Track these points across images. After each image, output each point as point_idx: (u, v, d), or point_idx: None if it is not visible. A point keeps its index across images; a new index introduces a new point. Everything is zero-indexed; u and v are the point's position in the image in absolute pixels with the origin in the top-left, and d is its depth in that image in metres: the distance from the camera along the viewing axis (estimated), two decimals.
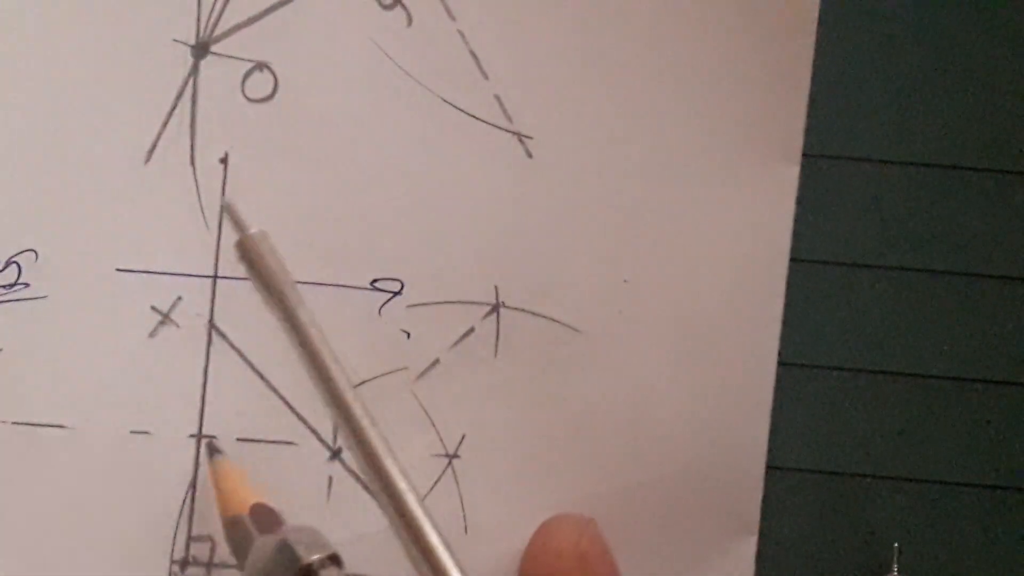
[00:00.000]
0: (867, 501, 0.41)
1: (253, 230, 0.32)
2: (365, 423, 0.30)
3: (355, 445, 0.30)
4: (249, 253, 0.32)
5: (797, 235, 0.40)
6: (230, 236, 0.40)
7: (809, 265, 0.41)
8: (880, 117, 0.41)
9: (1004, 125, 0.41)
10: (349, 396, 0.30)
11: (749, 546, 0.40)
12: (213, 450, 0.39)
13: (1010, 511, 0.41)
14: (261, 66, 0.40)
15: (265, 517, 0.36)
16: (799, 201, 0.40)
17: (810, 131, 0.40)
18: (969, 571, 0.41)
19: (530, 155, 0.40)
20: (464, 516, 0.40)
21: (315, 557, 0.32)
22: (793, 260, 0.40)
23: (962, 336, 0.41)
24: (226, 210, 0.33)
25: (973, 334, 0.41)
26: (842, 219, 0.41)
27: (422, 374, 0.40)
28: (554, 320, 0.40)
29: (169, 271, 0.40)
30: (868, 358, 0.41)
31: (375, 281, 0.40)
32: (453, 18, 0.40)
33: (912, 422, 0.41)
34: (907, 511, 0.41)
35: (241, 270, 0.40)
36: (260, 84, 0.40)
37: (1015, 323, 0.41)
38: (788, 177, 0.40)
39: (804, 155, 0.40)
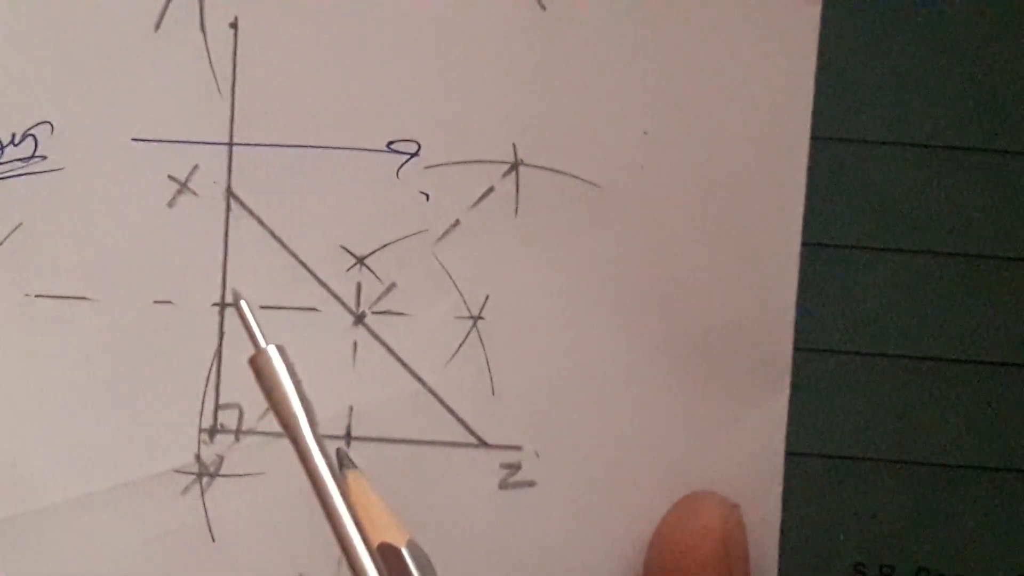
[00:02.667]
0: (867, 484, 0.41)
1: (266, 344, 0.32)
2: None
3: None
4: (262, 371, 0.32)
5: None
6: (244, 102, 0.40)
7: (806, 248, 0.40)
8: (879, 98, 0.40)
9: (1005, 105, 0.40)
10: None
11: (781, 400, 0.40)
12: (344, 461, 0.36)
13: (1012, 493, 0.41)
14: None
15: (391, 562, 0.33)
16: None
17: (815, 113, 0.40)
18: (971, 554, 0.41)
19: (543, 6, 0.39)
20: (491, 377, 0.40)
21: None
22: None
23: (963, 317, 0.40)
24: (239, 313, 0.32)
25: (974, 315, 0.40)
26: (841, 201, 0.40)
27: (443, 236, 0.40)
28: (574, 176, 0.40)
29: (185, 139, 0.40)
30: (868, 340, 0.40)
31: (391, 143, 0.40)
32: None
33: (913, 404, 0.41)
34: (908, 494, 0.41)
35: (256, 135, 0.40)
36: None
37: (1016, 304, 0.40)
38: (810, 16, 0.39)
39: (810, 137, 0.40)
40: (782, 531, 0.40)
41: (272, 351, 0.31)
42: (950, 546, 0.41)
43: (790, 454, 0.40)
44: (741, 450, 0.40)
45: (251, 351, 0.31)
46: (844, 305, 0.41)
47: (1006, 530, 0.41)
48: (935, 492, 0.41)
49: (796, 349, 0.40)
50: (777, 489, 0.40)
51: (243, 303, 0.32)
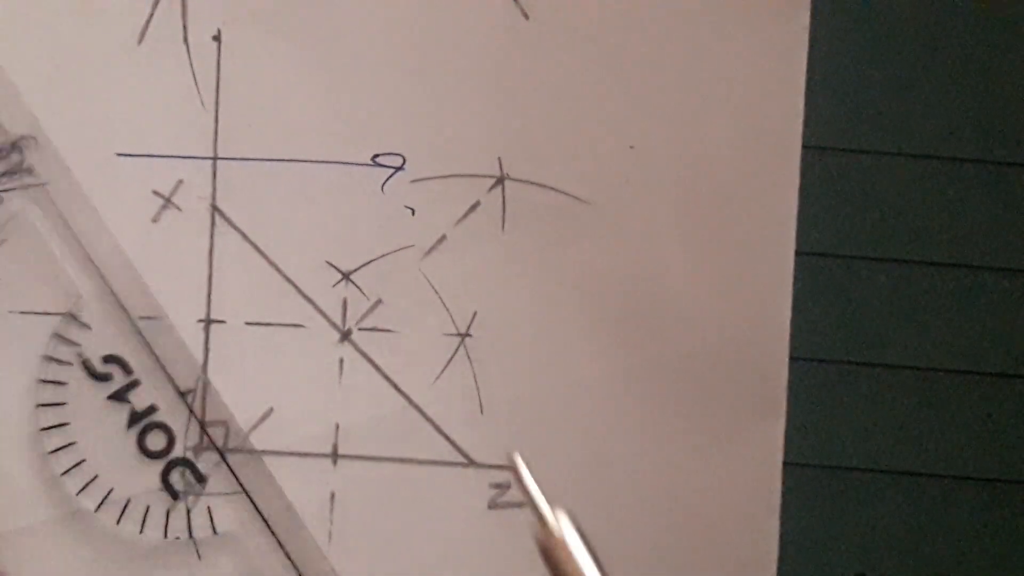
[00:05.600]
0: (867, 495, 0.41)
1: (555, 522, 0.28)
2: None
3: None
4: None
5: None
6: (228, 116, 0.40)
7: (807, 258, 0.40)
8: (879, 109, 0.41)
9: (1004, 116, 0.41)
10: None
11: (778, 411, 0.39)
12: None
13: (1011, 505, 0.41)
14: None
15: None
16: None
17: (808, 123, 0.40)
18: (970, 565, 0.41)
19: (527, 16, 0.39)
20: (479, 395, 0.40)
21: None
22: None
23: (962, 328, 0.41)
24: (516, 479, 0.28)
25: (973, 326, 0.41)
26: (841, 211, 0.41)
27: (429, 251, 0.40)
28: (560, 191, 0.39)
29: (169, 154, 0.40)
30: (867, 351, 0.41)
31: (376, 157, 0.39)
32: None
33: (912, 415, 0.41)
34: (908, 505, 0.41)
35: (241, 150, 0.39)
36: None
37: (1015, 315, 0.41)
38: (798, 26, 0.39)
39: (802, 147, 0.40)
40: (781, 542, 0.40)
41: (566, 527, 0.27)
42: (951, 557, 0.41)
43: (788, 464, 0.40)
44: (738, 461, 0.40)
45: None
46: (841, 315, 0.41)
47: (1006, 540, 0.41)
48: (935, 503, 0.41)
49: (792, 359, 0.40)
50: (776, 500, 0.40)
51: (521, 465, 0.28)
